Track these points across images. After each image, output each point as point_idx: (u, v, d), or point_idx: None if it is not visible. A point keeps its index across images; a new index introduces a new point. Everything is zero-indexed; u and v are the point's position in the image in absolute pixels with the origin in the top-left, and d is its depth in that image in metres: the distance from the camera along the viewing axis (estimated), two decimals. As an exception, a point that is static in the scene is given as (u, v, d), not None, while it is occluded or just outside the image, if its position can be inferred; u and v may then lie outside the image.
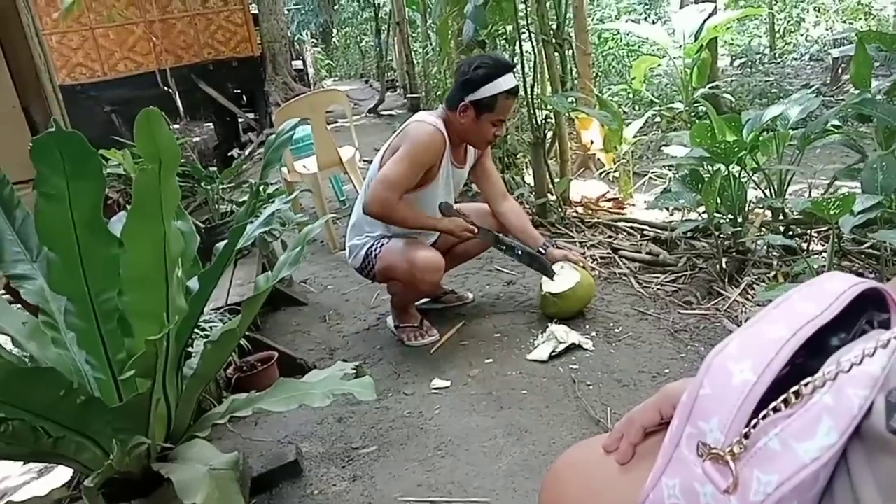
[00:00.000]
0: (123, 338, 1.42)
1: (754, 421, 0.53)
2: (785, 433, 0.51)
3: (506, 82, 2.50)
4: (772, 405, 0.52)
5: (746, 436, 0.53)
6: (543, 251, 2.79)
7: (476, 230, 2.65)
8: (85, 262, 1.34)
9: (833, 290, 0.57)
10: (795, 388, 0.52)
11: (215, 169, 3.61)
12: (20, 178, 2.21)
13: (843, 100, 3.76)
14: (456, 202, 2.83)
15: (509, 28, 4.19)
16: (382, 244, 2.63)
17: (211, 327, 2.11)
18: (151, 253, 1.32)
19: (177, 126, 8.07)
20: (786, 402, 0.52)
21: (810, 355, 0.55)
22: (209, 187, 3.40)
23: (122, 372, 1.38)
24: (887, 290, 0.58)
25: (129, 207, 1.48)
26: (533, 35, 4.02)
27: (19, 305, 1.77)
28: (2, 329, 1.57)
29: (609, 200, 4.27)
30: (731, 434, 0.54)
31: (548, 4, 3.92)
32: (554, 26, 3.99)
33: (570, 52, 4.16)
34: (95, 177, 1.26)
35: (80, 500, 1.71)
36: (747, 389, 0.53)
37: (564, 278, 2.68)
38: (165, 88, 8.09)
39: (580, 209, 4.13)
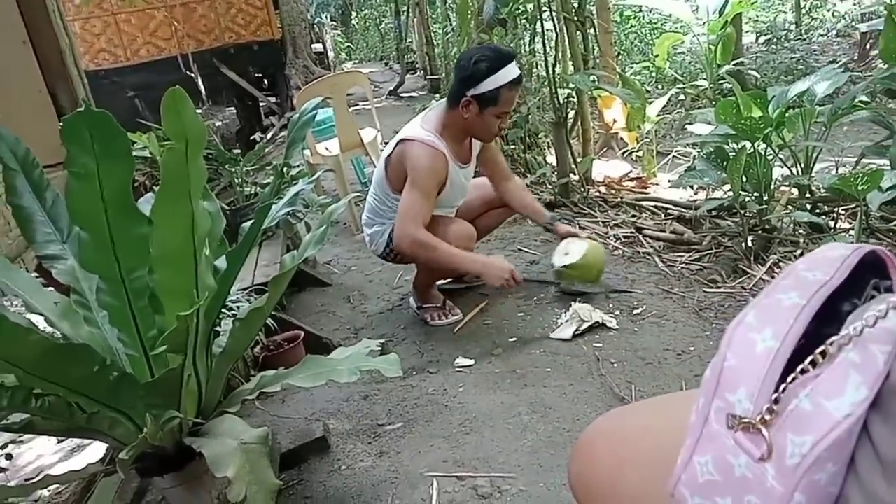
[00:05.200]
0: (154, 315, 1.45)
1: (783, 386, 0.53)
2: (815, 393, 0.51)
3: (508, 73, 2.43)
4: (799, 367, 0.52)
5: (776, 401, 0.53)
6: (551, 225, 2.80)
7: (519, 282, 2.53)
8: (116, 241, 1.36)
9: (836, 255, 0.57)
10: (822, 348, 0.52)
11: (239, 152, 3.64)
12: (48, 161, 2.25)
13: (871, 75, 3.69)
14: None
15: (530, 6, 4.16)
16: None
17: (238, 307, 2.13)
18: (180, 231, 1.34)
19: (199, 111, 8.10)
20: (813, 363, 0.52)
21: (823, 323, 0.55)
22: (233, 170, 3.43)
23: (154, 348, 1.40)
24: (887, 254, 0.58)
25: (156, 188, 1.50)
26: (554, 13, 3.99)
27: (51, 287, 1.80)
28: (35, 309, 1.60)
29: (632, 180, 4.24)
30: (761, 402, 0.53)
31: (569, -19, 3.88)
32: (576, 4, 3.95)
33: (592, 29, 4.13)
34: (124, 156, 1.28)
35: (114, 475, 1.75)
36: (772, 356, 0.53)
37: (574, 250, 2.69)
38: (187, 73, 8.13)
39: (603, 189, 4.11)
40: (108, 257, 1.40)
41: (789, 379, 0.53)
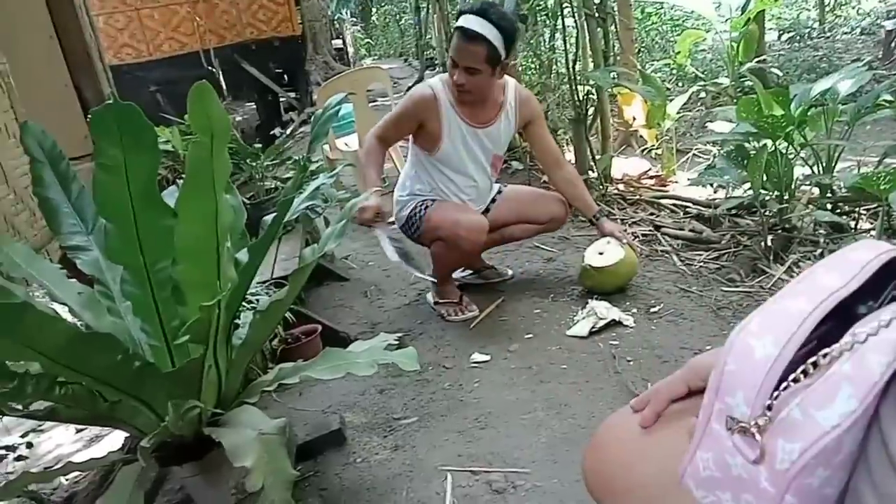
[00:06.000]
0: (177, 306, 1.47)
1: (776, 393, 0.54)
2: (805, 402, 0.52)
3: (460, 20, 2.47)
4: (791, 377, 0.53)
5: (770, 408, 0.54)
6: (596, 220, 2.79)
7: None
8: (141, 233, 1.39)
9: (858, 259, 0.58)
10: (813, 358, 0.53)
11: (259, 146, 3.67)
12: (73, 154, 2.28)
13: (895, 73, 3.64)
14: (502, 182, 2.88)
15: (551, 2, 4.15)
16: (427, 206, 2.70)
17: (257, 300, 2.16)
18: (204, 224, 1.36)
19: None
20: (805, 372, 0.53)
21: (841, 325, 0.55)
22: (254, 164, 3.46)
23: (176, 338, 1.43)
24: None
25: (179, 181, 1.53)
26: (575, 9, 3.97)
27: (74, 278, 1.83)
28: (59, 299, 1.63)
29: (651, 177, 4.23)
30: (756, 407, 0.55)
31: (590, -22, 3.86)
32: (597, 0, 3.93)
33: (613, 26, 4.11)
34: (151, 149, 1.30)
35: (133, 463, 1.78)
36: (769, 364, 0.55)
37: (609, 254, 2.68)
38: (209, 68, 8.19)
39: (622, 186, 4.10)
40: (134, 248, 1.43)
41: (782, 387, 0.54)
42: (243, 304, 1.73)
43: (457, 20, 2.52)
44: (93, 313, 1.62)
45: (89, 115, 1.29)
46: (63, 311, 1.66)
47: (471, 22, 2.43)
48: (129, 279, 1.48)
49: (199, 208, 1.36)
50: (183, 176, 1.39)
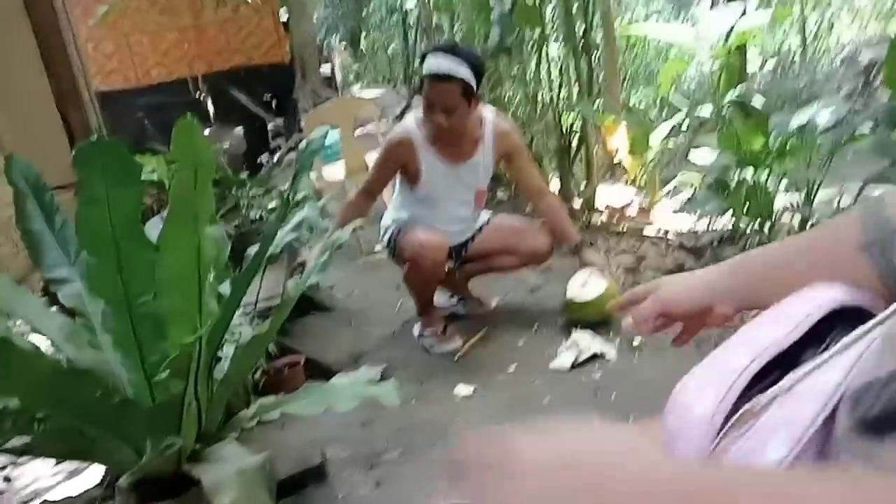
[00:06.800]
0: (158, 340, 1.47)
1: (716, 443, 0.56)
2: (739, 452, 0.54)
3: (427, 65, 2.48)
4: (728, 424, 0.55)
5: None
6: (577, 251, 2.79)
7: None
8: (123, 267, 1.38)
9: (797, 313, 0.60)
10: (748, 405, 0.55)
11: (246, 175, 3.67)
12: (58, 182, 2.28)
13: (874, 103, 3.70)
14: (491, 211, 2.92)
15: (536, 33, 4.21)
16: (401, 229, 2.74)
17: (240, 332, 2.15)
18: (186, 258, 1.36)
19: (207, 130, 8.17)
20: (742, 420, 0.55)
21: (786, 370, 0.57)
22: (239, 193, 3.47)
23: (157, 373, 1.42)
24: (863, 303, 0.60)
25: (163, 213, 1.53)
26: (560, 40, 4.03)
27: (55, 308, 1.82)
28: (41, 331, 1.62)
29: (635, 207, 4.26)
30: (699, 457, 0.57)
31: (575, 10, 3.92)
32: (581, 31, 3.99)
33: (598, 57, 4.17)
34: (135, 184, 1.31)
35: (112, 500, 1.76)
36: (707, 419, 0.56)
37: (591, 286, 2.68)
38: (197, 95, 8.22)
39: (605, 216, 4.12)
40: (115, 282, 1.42)
41: (720, 435, 0.56)
42: (225, 337, 1.72)
43: (422, 62, 2.51)
44: (74, 346, 1.61)
45: (74, 149, 1.30)
46: (44, 344, 1.65)
47: (441, 64, 2.43)
48: (110, 313, 1.47)
49: (181, 242, 1.37)
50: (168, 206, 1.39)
